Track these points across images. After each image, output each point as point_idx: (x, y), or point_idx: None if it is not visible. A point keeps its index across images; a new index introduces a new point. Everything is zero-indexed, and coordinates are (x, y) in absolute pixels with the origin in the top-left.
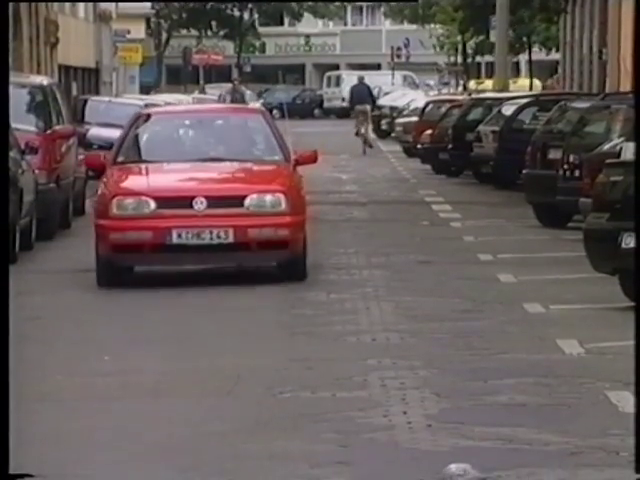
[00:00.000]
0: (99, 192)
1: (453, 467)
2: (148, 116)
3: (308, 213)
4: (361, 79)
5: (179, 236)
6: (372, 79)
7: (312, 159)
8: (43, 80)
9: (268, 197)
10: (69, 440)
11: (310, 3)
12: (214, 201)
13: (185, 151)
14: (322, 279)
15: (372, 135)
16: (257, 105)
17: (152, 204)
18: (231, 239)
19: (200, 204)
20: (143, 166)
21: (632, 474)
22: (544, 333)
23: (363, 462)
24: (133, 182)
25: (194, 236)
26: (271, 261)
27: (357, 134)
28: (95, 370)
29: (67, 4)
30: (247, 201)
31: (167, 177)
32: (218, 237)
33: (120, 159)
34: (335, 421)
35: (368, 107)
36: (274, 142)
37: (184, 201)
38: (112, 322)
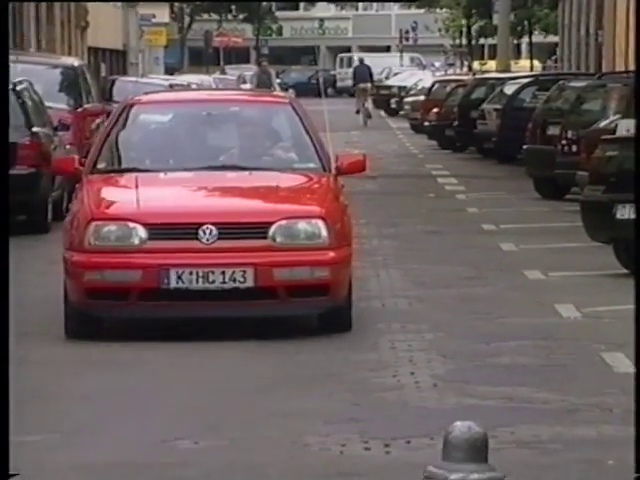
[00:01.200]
0: (70, 212)
1: (460, 424)
2: (139, 106)
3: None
4: (362, 60)
5: (179, 278)
6: (382, 61)
7: (360, 167)
8: (74, 61)
9: (301, 224)
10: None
11: None
12: (227, 230)
13: (188, 156)
14: None
15: (371, 107)
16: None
17: (143, 233)
18: (250, 283)
19: (209, 234)
20: (131, 177)
21: (625, 429)
22: (543, 298)
23: (374, 419)
24: (117, 201)
25: (200, 278)
26: (305, 312)
27: (357, 112)
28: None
29: None
30: (272, 230)
31: (163, 195)
32: (233, 280)
33: (100, 165)
34: (348, 381)
35: (368, 85)
36: (308, 143)
37: (187, 229)
38: None
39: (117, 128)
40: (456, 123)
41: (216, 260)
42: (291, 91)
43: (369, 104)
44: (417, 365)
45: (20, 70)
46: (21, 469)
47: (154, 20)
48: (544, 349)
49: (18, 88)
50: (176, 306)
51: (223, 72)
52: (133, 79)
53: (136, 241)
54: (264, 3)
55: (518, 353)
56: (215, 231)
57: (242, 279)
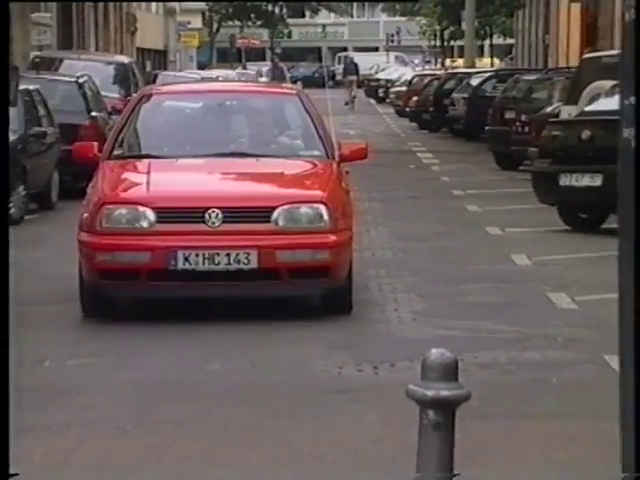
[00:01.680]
0: (86, 196)
1: (435, 351)
2: (156, 95)
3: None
4: (351, 59)
5: (186, 259)
6: (372, 58)
7: (362, 155)
8: (124, 59)
9: (303, 209)
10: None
11: (325, 2)
12: (232, 214)
13: (200, 143)
14: None
15: (356, 94)
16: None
17: (152, 216)
18: (254, 264)
19: (214, 218)
20: (144, 163)
21: (566, 354)
22: (501, 249)
23: (365, 346)
24: (129, 186)
25: (206, 260)
26: (306, 292)
27: (346, 104)
28: None
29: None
30: (276, 214)
31: (172, 180)
32: (237, 262)
33: (117, 152)
34: (344, 316)
35: (355, 77)
36: (313, 132)
37: (194, 213)
38: None
39: (133, 117)
40: (431, 109)
41: (221, 242)
42: (299, 83)
43: (355, 91)
44: (400, 303)
45: (82, 66)
46: (83, 387)
47: (189, 26)
48: (501, 290)
49: (80, 81)
50: (183, 286)
51: (244, 67)
52: (172, 73)
53: (145, 224)
54: (277, 12)
55: (481, 293)
56: (221, 215)
57: (246, 261)
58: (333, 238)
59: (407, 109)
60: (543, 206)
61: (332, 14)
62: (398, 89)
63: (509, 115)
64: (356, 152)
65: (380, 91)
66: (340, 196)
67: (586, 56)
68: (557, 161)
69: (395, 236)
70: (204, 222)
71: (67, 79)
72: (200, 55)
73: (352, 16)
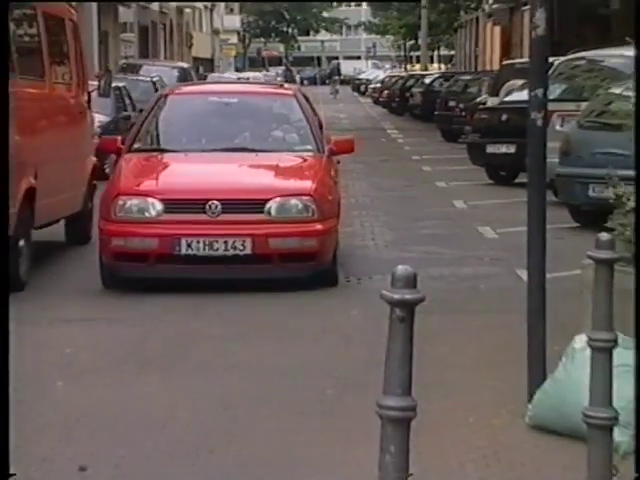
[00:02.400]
0: (106, 186)
1: (400, 267)
2: (172, 95)
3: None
4: (335, 65)
5: (188, 246)
6: (356, 64)
7: (349, 148)
8: (184, 65)
9: (293, 201)
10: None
11: (324, 24)
12: (230, 205)
13: (208, 138)
14: None
15: (338, 88)
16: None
17: (159, 207)
18: (248, 250)
19: (214, 208)
20: (157, 157)
21: (491, 269)
22: (446, 197)
23: (351, 265)
24: (140, 179)
25: (206, 246)
26: (295, 274)
27: (331, 94)
28: None
29: (196, 24)
30: (268, 206)
31: (179, 174)
32: (233, 248)
33: (136, 146)
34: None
35: (337, 77)
36: (307, 129)
37: (196, 205)
38: None
39: (152, 114)
40: (397, 99)
41: (220, 231)
42: (306, 82)
43: (337, 87)
44: (375, 234)
45: (155, 70)
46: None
47: (229, 41)
48: (446, 225)
49: (154, 80)
50: (186, 269)
51: (267, 71)
52: (217, 75)
53: (153, 214)
54: (290, 32)
55: (431, 227)
56: (220, 206)
57: (242, 247)
58: (319, 227)
59: (380, 99)
60: (474, 167)
61: (328, 33)
62: (374, 86)
63: (451, 104)
64: (344, 146)
65: (362, 87)
66: (327, 188)
67: (504, 63)
68: (484, 135)
69: (372, 187)
70: (205, 212)
71: (145, 79)
72: (236, 62)
73: (342, 34)
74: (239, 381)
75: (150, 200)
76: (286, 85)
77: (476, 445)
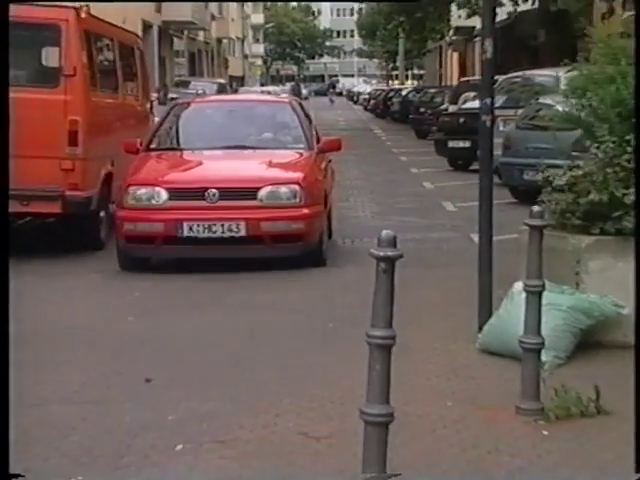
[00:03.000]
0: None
1: (384, 232)
2: (185, 105)
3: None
4: (333, 81)
5: (190, 229)
6: (350, 80)
7: (336, 146)
8: (222, 80)
9: (282, 189)
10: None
11: (326, 50)
12: (226, 193)
13: (213, 138)
14: None
15: (334, 98)
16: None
17: (164, 195)
18: (243, 232)
19: (212, 196)
20: (167, 154)
21: (452, 234)
22: (417, 180)
23: (345, 230)
24: (149, 171)
25: (205, 229)
26: (284, 254)
27: (330, 102)
28: None
29: (231, 50)
30: (260, 193)
31: (183, 167)
32: (230, 230)
33: (152, 146)
34: (333, 214)
35: (333, 90)
36: (299, 131)
37: (196, 193)
38: None
39: (167, 120)
40: (381, 107)
41: (217, 216)
42: (313, 93)
43: (334, 97)
44: (365, 207)
45: (200, 85)
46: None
47: (255, 64)
48: (418, 201)
49: (199, 92)
50: (188, 250)
51: (284, 85)
52: (246, 88)
53: (159, 201)
54: (301, 56)
55: (407, 202)
56: (217, 194)
57: (237, 230)
58: (306, 211)
59: (368, 107)
60: (439, 157)
61: (329, 57)
62: (364, 96)
63: (422, 110)
64: (331, 145)
65: (355, 98)
66: (314, 178)
67: (461, 80)
68: (447, 134)
69: (362, 173)
70: (204, 199)
71: (192, 91)
72: (261, 79)
73: (340, 58)
74: (261, 318)
75: (157, 189)
76: (283, 95)
77: (439, 364)
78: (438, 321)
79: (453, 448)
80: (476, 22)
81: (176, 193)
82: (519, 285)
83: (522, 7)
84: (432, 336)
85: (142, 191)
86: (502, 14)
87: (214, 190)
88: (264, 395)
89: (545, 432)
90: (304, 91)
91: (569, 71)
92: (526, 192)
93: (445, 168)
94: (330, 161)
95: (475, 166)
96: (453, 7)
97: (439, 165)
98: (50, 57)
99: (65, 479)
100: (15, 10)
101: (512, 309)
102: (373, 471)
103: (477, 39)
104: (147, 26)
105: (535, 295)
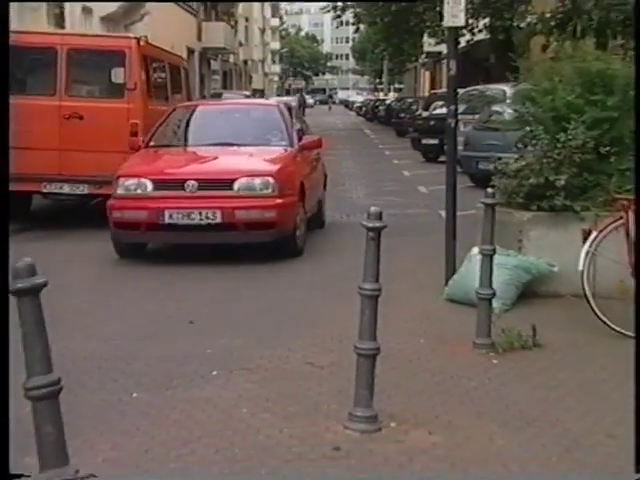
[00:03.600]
0: None
1: (373, 208)
2: (179, 109)
3: (325, 145)
4: (331, 93)
5: (171, 216)
6: (347, 92)
7: (317, 144)
8: (247, 92)
9: (257, 180)
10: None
11: (327, 69)
12: (204, 184)
13: (202, 136)
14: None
15: (331, 106)
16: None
17: (149, 186)
18: (219, 220)
19: (191, 187)
20: (159, 150)
21: (424, 212)
22: (398, 170)
23: (340, 207)
24: (138, 165)
25: (184, 217)
26: (258, 240)
27: (329, 108)
28: None
29: (254, 69)
30: (236, 184)
31: (167, 160)
32: (207, 218)
33: (151, 143)
34: (332, 195)
35: (331, 99)
36: (284, 131)
37: (177, 183)
38: None
39: (165, 121)
40: (371, 112)
41: (196, 204)
42: (317, 102)
43: (331, 106)
44: (357, 190)
45: (231, 96)
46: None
47: (273, 79)
48: (398, 185)
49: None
50: (169, 235)
51: (294, 96)
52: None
53: (144, 192)
54: (307, 74)
55: (390, 186)
56: (196, 185)
57: (213, 217)
58: (279, 201)
59: (360, 113)
60: (415, 151)
61: (330, 74)
62: (358, 104)
63: (401, 115)
64: (312, 143)
65: (349, 105)
66: (289, 171)
67: (431, 92)
68: (420, 133)
69: (354, 163)
70: (184, 189)
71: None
72: (277, 91)
73: (338, 75)
74: (271, 278)
75: (142, 180)
76: (271, 99)
77: (415, 311)
78: (414, 277)
79: (425, 374)
80: (443, 48)
81: (160, 184)
82: (476, 249)
83: (477, 37)
84: (409, 289)
85: (130, 182)
86: (462, 42)
87: (193, 181)
88: (279, 334)
89: (495, 361)
90: (310, 100)
91: (514, 86)
92: (481, 178)
93: (419, 160)
94: (319, 159)
95: (442, 158)
96: (425, 37)
97: (415, 157)
98: (117, 75)
99: (128, 394)
100: (93, 40)
101: (470, 268)
102: (364, 391)
103: (444, 61)
104: (190, 51)
105: (488, 257)
